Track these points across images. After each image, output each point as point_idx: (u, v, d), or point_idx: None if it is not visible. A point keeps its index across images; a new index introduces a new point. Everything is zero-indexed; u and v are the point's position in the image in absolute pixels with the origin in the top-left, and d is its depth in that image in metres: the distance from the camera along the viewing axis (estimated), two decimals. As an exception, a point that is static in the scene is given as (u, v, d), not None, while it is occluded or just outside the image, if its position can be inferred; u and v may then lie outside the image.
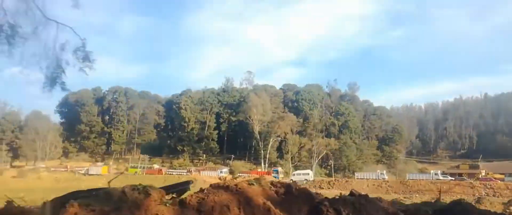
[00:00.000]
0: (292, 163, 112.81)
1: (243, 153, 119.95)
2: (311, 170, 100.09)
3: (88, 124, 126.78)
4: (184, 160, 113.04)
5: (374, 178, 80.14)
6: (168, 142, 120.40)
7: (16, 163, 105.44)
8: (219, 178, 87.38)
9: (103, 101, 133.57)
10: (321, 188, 74.16)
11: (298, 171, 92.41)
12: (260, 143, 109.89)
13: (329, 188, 73.68)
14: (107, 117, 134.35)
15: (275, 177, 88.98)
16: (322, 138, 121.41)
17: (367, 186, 72.22)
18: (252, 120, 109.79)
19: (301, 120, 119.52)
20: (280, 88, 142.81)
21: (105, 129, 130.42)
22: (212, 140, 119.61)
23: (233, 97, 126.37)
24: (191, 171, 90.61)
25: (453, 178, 74.00)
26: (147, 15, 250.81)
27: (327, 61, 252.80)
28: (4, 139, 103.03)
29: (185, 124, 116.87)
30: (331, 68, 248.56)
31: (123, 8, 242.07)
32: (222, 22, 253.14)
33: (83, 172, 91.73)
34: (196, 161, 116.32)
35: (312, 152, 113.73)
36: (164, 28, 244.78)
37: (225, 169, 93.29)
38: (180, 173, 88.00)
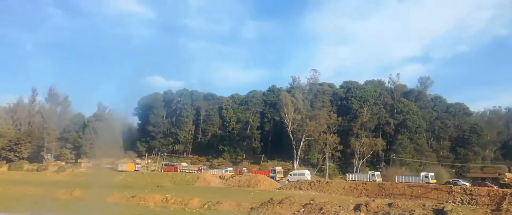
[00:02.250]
0: (331, 163, 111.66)
1: (285, 153, 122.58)
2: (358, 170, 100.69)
3: (155, 124, 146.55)
4: (224, 159, 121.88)
5: (365, 180, 75.71)
6: (214, 142, 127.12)
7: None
8: (220, 177, 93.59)
9: (171, 104, 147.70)
10: (300, 188, 73.99)
11: (295, 171, 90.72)
12: (293, 142, 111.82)
13: (307, 189, 72.84)
14: (173, 119, 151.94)
15: (272, 177, 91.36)
16: (370, 137, 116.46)
17: (344, 188, 69.12)
18: (284, 119, 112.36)
19: (339, 119, 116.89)
20: (341, 87, 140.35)
21: (172, 129, 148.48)
22: (255, 139, 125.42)
23: (278, 97, 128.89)
24: (201, 170, 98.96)
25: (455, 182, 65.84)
26: (267, 20, 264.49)
27: (454, 56, 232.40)
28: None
29: (227, 124, 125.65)
30: (457, 64, 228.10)
31: (245, 15, 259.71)
32: (340, 19, 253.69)
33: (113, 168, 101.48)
34: (235, 160, 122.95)
35: (355, 152, 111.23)
36: (283, 31, 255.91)
37: (230, 168, 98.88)
38: (191, 171, 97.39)
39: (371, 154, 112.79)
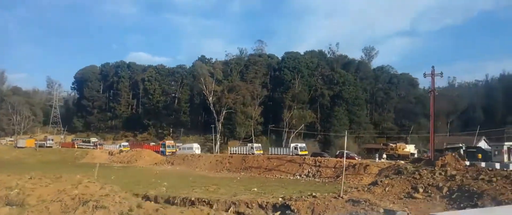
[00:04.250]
0: (264, 136, 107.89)
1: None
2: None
3: (90, 99, 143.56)
4: (149, 134, 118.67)
5: (245, 153, 72.45)
6: (142, 116, 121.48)
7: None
8: (109, 152, 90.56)
9: (108, 77, 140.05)
10: (172, 164, 71.15)
11: (184, 145, 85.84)
12: (215, 115, 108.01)
13: (179, 164, 69.81)
14: (111, 93, 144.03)
15: (162, 152, 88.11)
16: (305, 110, 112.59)
17: (210, 162, 65.99)
18: (204, 91, 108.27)
19: (264, 90, 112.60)
20: (269, 56, 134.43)
21: (110, 104, 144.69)
22: (184, 113, 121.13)
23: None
24: (97, 145, 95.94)
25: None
26: None
27: (440, 29, 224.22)
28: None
29: (150, 97, 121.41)
30: (444, 38, 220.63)
31: None
32: None
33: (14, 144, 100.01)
34: (162, 135, 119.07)
35: (285, 125, 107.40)
36: (269, 5, 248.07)
37: (126, 143, 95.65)
38: (87, 147, 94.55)
39: (305, 127, 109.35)
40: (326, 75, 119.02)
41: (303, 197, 23.19)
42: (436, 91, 47.80)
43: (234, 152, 74.53)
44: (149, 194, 27.93)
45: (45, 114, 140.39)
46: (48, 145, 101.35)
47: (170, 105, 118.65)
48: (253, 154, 69.24)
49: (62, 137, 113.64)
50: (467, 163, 41.51)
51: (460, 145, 57.51)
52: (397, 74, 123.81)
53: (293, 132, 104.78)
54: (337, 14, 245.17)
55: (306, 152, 65.63)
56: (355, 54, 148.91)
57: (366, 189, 25.40)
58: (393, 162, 50.93)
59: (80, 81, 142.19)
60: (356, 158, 58.26)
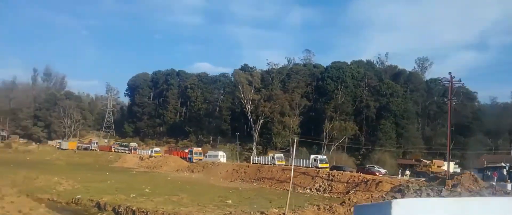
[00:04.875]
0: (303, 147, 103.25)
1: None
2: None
3: (140, 105, 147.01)
4: (190, 140, 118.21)
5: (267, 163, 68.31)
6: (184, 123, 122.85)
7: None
8: (140, 157, 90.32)
9: (158, 84, 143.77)
10: (191, 171, 68.80)
11: (209, 153, 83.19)
12: (251, 124, 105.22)
13: (198, 172, 67.38)
14: (160, 100, 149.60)
15: (189, 158, 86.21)
16: (347, 121, 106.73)
17: (227, 171, 62.69)
18: (242, 100, 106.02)
19: (304, 99, 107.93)
20: (315, 66, 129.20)
21: (159, 111, 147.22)
22: (224, 121, 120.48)
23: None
24: (131, 150, 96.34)
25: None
26: (313, 6, 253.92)
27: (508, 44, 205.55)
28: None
29: (192, 104, 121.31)
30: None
31: (290, 0, 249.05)
32: (390, 4, 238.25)
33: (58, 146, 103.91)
34: (202, 142, 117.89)
35: (325, 136, 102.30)
36: (329, 17, 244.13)
37: (158, 149, 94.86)
38: (123, 151, 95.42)
39: (349, 140, 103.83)
40: (373, 86, 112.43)
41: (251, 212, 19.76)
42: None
43: (257, 162, 71.31)
44: (101, 200, 25.75)
45: (101, 119, 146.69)
46: (92, 148, 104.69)
47: (211, 113, 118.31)
48: (274, 164, 65.70)
49: (106, 140, 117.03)
50: (493, 183, 35.31)
51: (504, 164, 49.86)
52: (453, 87, 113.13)
53: (334, 144, 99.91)
54: (397, 27, 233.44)
55: (327, 165, 61.02)
56: (408, 65, 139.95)
57: (330, 206, 21.26)
58: (413, 179, 45.01)
59: (132, 88, 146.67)
60: (377, 173, 52.74)
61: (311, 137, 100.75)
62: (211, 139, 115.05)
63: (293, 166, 39.76)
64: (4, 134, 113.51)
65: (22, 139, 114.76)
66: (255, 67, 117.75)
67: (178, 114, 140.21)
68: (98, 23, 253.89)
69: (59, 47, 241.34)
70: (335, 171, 53.83)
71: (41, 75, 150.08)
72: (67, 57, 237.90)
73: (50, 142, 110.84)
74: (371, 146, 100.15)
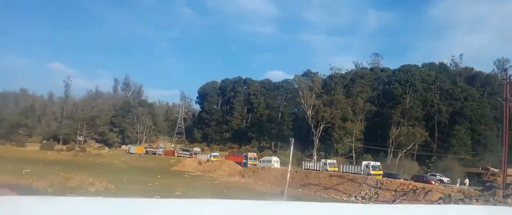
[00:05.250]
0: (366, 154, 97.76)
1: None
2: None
3: (208, 112, 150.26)
4: (252, 146, 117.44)
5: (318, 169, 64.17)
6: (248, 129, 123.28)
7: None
8: (198, 162, 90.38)
9: (226, 92, 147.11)
10: (242, 176, 67.49)
11: (264, 158, 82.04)
12: (312, 130, 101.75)
13: (249, 176, 65.72)
14: (228, 107, 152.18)
15: (244, 163, 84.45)
16: (416, 127, 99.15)
17: (275, 176, 59.79)
18: (303, 105, 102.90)
19: (367, 104, 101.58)
20: (382, 70, 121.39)
21: (227, 117, 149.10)
22: (287, 127, 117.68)
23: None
24: (191, 154, 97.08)
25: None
26: (389, 9, 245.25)
27: None
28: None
29: (255, 110, 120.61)
30: None
31: (366, 5, 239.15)
32: (474, 6, 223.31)
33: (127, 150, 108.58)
34: (264, 147, 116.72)
35: (390, 142, 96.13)
36: (405, 20, 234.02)
37: (216, 153, 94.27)
38: (184, 155, 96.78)
39: (419, 146, 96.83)
40: (445, 90, 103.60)
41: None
42: None
43: (309, 168, 68.49)
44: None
45: (175, 125, 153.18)
46: (158, 153, 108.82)
47: (273, 118, 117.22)
48: (326, 170, 62.57)
49: (173, 145, 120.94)
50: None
51: None
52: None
53: (401, 151, 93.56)
54: (477, 28, 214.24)
55: (380, 172, 56.43)
56: (485, 67, 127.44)
57: None
58: (469, 189, 39.65)
59: (202, 96, 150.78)
60: (434, 182, 47.51)
61: (376, 143, 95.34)
62: (272, 145, 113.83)
63: (289, 168, 37.04)
64: (80, 138, 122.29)
65: (97, 144, 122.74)
66: (318, 72, 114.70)
67: (244, 120, 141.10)
68: (178, 34, 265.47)
69: (143, 58, 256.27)
70: (385, 178, 49.50)
71: (121, 85, 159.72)
72: (151, 68, 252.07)
73: (123, 147, 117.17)
74: (444, 153, 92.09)
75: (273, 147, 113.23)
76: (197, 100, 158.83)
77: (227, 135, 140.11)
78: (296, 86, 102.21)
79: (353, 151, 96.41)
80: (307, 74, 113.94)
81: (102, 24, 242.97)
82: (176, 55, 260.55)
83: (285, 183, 56.04)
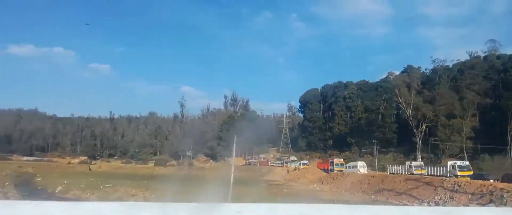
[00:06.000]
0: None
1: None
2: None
3: (311, 120, 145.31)
4: (351, 152, 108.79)
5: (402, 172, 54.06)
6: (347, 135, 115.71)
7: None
8: (287, 170, 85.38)
9: (327, 98, 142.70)
10: (321, 183, 60.94)
11: (349, 163, 73.56)
12: (413, 130, 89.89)
13: (327, 183, 59.04)
14: (330, 113, 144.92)
15: (331, 169, 77.13)
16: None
17: (352, 182, 51.99)
18: (400, 105, 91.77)
19: (478, 97, 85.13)
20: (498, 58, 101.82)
21: (330, 124, 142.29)
22: (388, 129, 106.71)
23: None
24: (283, 163, 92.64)
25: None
26: None
27: None
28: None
29: (353, 114, 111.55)
30: None
31: None
32: None
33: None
34: (364, 153, 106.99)
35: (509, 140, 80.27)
36: None
37: (305, 161, 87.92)
38: (276, 164, 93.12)
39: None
40: None
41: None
42: None
43: (394, 171, 60.56)
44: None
45: (279, 136, 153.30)
46: (253, 163, 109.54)
47: (373, 121, 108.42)
48: (411, 173, 54.46)
49: (272, 155, 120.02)
50: None
51: None
52: None
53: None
54: None
55: (469, 173, 46.72)
56: None
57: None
58: None
59: (303, 104, 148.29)
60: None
61: (493, 141, 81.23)
62: (374, 149, 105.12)
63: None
64: (189, 153, 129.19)
65: (205, 158, 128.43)
66: (420, 67, 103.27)
67: (347, 125, 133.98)
68: (291, 49, 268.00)
69: (255, 74, 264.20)
70: (464, 180, 40.63)
71: (229, 101, 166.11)
72: (262, 82, 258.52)
73: (229, 159, 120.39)
74: None
75: (376, 152, 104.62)
76: (299, 109, 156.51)
77: (330, 142, 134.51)
78: (392, 84, 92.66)
79: (465, 151, 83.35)
80: (407, 70, 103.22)
81: (219, 45, 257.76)
82: (288, 68, 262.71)
83: (359, 189, 50.44)
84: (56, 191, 42.51)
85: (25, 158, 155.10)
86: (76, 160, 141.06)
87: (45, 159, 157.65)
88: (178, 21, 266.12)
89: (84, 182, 47.65)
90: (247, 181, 69.72)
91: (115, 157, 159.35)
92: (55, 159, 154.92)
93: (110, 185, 48.24)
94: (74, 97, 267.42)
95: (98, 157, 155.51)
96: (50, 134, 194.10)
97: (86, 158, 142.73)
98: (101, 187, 46.03)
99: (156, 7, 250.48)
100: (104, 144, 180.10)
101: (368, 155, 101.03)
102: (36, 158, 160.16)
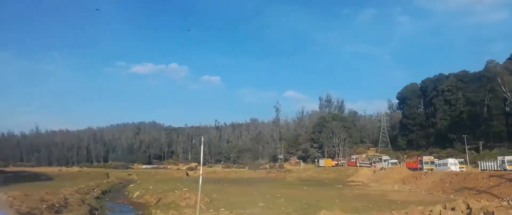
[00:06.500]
0: None
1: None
2: None
3: (410, 117, 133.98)
4: (453, 148, 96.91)
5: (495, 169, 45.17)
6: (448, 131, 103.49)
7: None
8: (374, 170, 78.35)
9: (427, 92, 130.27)
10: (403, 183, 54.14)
11: (439, 161, 64.08)
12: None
13: (403, 183, 52.02)
14: (432, 108, 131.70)
15: (420, 168, 69.13)
16: None
17: (433, 181, 44.83)
18: (505, 94, 78.95)
19: None
20: None
21: (433, 120, 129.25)
22: (497, 121, 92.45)
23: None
24: (371, 163, 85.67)
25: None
26: None
27: None
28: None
29: (453, 108, 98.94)
30: None
31: None
32: None
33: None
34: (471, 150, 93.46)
35: None
36: None
37: (395, 160, 79.53)
38: (364, 165, 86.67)
39: None
40: None
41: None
42: None
43: (486, 168, 53.26)
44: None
45: (377, 135, 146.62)
46: (340, 164, 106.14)
47: (477, 115, 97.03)
48: (504, 169, 47.48)
49: (363, 156, 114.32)
50: None
51: None
52: None
53: None
54: None
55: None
56: None
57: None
58: None
59: (402, 100, 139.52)
60: None
61: None
62: (479, 145, 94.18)
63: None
64: (281, 156, 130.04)
65: (297, 160, 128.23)
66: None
67: (452, 120, 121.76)
68: (397, 44, 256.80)
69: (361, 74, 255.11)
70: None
71: (323, 102, 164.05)
72: (370, 81, 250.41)
73: (321, 161, 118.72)
74: None
75: (481, 148, 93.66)
76: (398, 106, 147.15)
77: (433, 139, 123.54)
78: (491, 73, 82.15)
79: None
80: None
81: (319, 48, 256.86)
82: (391, 65, 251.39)
83: (440, 189, 45.79)
84: (134, 196, 46.40)
85: (144, 166, 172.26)
86: (186, 166, 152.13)
87: (161, 166, 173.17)
88: (281, 28, 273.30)
89: (165, 187, 51.19)
90: (327, 183, 68.02)
91: (222, 162, 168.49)
92: (169, 166, 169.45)
93: (186, 188, 50.79)
94: (187, 108, 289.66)
95: (207, 163, 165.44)
96: (165, 143, 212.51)
97: (196, 164, 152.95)
98: (176, 190, 48.74)
99: (258, 19, 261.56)
100: (211, 150, 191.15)
101: (473, 151, 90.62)
102: (153, 165, 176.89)
